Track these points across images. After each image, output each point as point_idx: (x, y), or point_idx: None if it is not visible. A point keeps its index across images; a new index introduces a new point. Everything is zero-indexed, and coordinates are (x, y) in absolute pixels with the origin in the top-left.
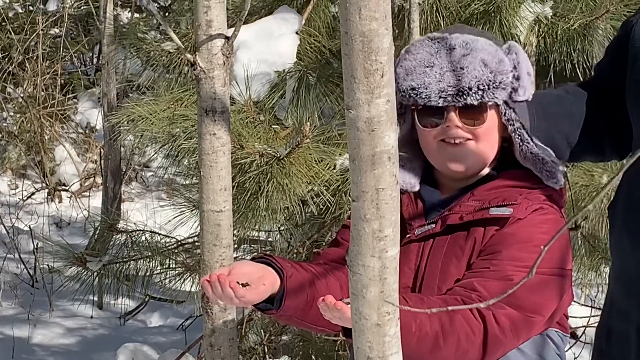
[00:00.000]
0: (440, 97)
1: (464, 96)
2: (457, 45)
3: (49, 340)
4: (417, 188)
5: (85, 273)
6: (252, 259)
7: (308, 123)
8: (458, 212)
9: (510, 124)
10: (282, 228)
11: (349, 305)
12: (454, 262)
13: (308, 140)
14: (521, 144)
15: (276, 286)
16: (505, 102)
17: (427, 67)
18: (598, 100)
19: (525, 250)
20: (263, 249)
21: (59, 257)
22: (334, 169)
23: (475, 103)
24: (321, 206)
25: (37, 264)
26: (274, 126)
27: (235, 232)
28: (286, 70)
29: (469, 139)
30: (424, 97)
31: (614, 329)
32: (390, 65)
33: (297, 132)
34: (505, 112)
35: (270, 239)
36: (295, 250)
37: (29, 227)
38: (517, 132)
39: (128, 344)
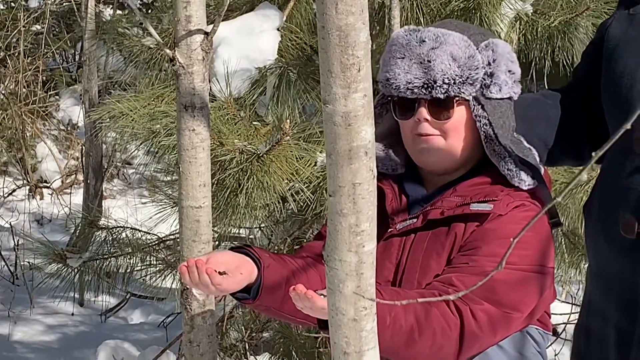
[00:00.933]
0: (408, 88)
1: (430, 89)
2: (427, 38)
3: (30, 338)
4: (399, 171)
5: (65, 270)
6: (231, 249)
7: (288, 120)
8: (439, 207)
9: (478, 120)
10: (262, 225)
11: (322, 296)
12: (435, 257)
13: (288, 137)
14: (485, 141)
15: (253, 276)
16: (476, 98)
17: (399, 58)
18: (576, 103)
19: (505, 247)
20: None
21: (40, 254)
22: (315, 166)
23: (442, 97)
24: (302, 203)
25: (17, 261)
26: (254, 123)
27: (215, 229)
28: (267, 67)
29: (438, 135)
30: (394, 87)
31: (592, 329)
32: (367, 59)
33: (278, 130)
34: (473, 108)
35: (251, 236)
36: (276, 248)
37: (10, 224)
38: (482, 129)
39: (109, 341)
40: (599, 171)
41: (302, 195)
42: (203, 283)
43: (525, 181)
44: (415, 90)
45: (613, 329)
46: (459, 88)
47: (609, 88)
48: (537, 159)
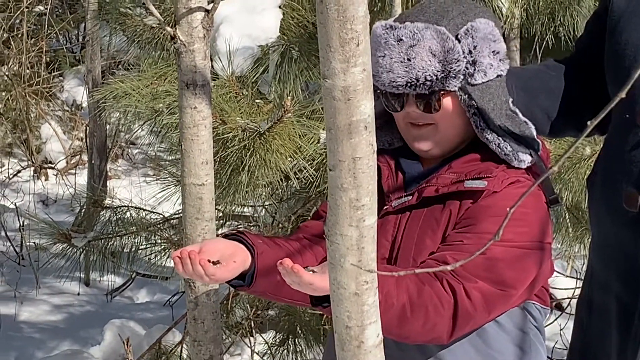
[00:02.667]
0: (392, 86)
1: (414, 87)
2: (404, 36)
3: (36, 318)
4: (396, 145)
5: (70, 250)
6: (224, 236)
7: (289, 97)
8: (434, 184)
9: (467, 110)
10: (266, 203)
11: (311, 272)
12: (430, 234)
13: (290, 114)
14: (476, 129)
15: (247, 263)
16: (462, 88)
17: (380, 56)
18: (578, 75)
19: (499, 224)
20: (248, 224)
21: (45, 234)
22: (318, 143)
23: (426, 92)
24: (305, 181)
25: (23, 241)
26: (256, 101)
27: (219, 207)
28: (269, 45)
29: (430, 124)
30: (380, 84)
31: (595, 300)
32: (366, 34)
33: (280, 107)
34: (460, 99)
35: (255, 215)
36: (281, 225)
37: (15, 205)
38: (472, 119)
39: (115, 320)
40: (602, 145)
41: (305, 173)
42: (197, 274)
43: (525, 160)
44: (400, 88)
45: (615, 300)
46: (442, 83)
47: (612, 59)
48: (534, 133)
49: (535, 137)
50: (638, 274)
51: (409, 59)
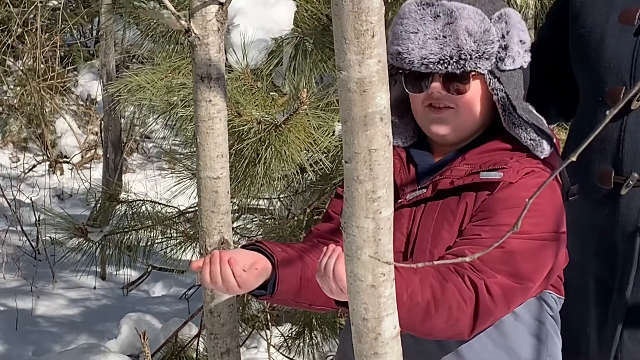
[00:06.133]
0: (422, 63)
1: (445, 65)
2: (441, 12)
3: (52, 312)
4: (407, 144)
5: (86, 244)
6: (242, 247)
7: (305, 90)
8: (449, 176)
9: (495, 94)
10: (282, 196)
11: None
12: (446, 226)
13: (305, 106)
14: (503, 114)
15: (269, 271)
16: (491, 72)
17: (412, 32)
18: (541, 64)
19: (517, 216)
20: (264, 217)
21: (61, 228)
22: (333, 135)
23: (458, 72)
24: (320, 173)
25: (39, 236)
26: (271, 93)
27: (235, 200)
28: (283, 37)
29: (451, 107)
30: (407, 62)
31: (571, 282)
32: (381, 25)
33: (295, 99)
34: (489, 82)
35: (270, 207)
36: (296, 218)
37: (31, 199)
38: (500, 102)
39: (131, 314)
40: (569, 130)
41: (320, 165)
42: (225, 277)
43: (546, 149)
44: (431, 65)
45: (592, 280)
46: (475, 63)
47: (578, 44)
48: (547, 127)
49: (548, 129)
50: (614, 251)
51: (444, 36)
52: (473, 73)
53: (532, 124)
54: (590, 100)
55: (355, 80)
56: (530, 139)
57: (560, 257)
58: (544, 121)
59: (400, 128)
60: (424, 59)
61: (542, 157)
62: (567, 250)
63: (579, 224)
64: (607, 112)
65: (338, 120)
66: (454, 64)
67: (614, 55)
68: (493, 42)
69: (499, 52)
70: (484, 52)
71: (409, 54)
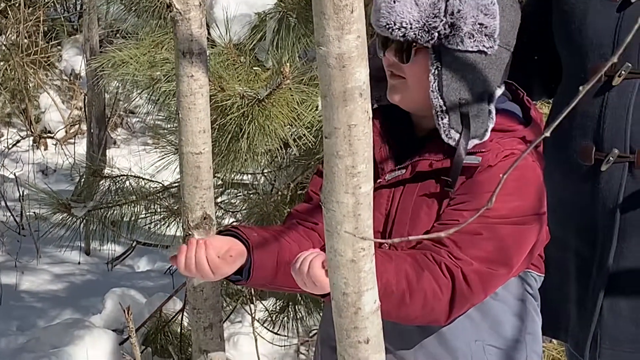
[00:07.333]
0: (376, 25)
1: (390, 31)
2: None
3: (37, 287)
4: (383, 102)
5: (70, 219)
6: (218, 232)
7: (288, 64)
8: (428, 158)
9: (431, 71)
10: (266, 171)
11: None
12: (425, 209)
13: (288, 81)
14: (430, 91)
15: (244, 257)
16: (436, 48)
17: None
18: (526, 40)
19: (496, 200)
20: (248, 192)
21: (45, 204)
22: (316, 110)
23: (400, 39)
24: (304, 148)
25: (23, 211)
26: (254, 68)
27: (219, 175)
28: (266, 12)
29: (401, 77)
30: (371, 24)
31: (552, 258)
32: (360, 0)
33: (278, 74)
34: (430, 58)
35: (254, 182)
36: (280, 193)
37: (15, 175)
38: (431, 77)
39: (116, 289)
40: (551, 107)
41: (304, 140)
42: (198, 262)
43: (453, 138)
44: (380, 28)
45: (573, 256)
46: (414, 34)
47: (562, 21)
48: (488, 128)
49: (488, 131)
50: (595, 227)
51: (394, 2)
52: (415, 44)
53: (463, 112)
54: (573, 77)
55: (334, 56)
56: (438, 123)
57: (541, 236)
58: (489, 125)
59: (375, 90)
60: (377, 21)
61: (449, 144)
62: (548, 227)
63: (560, 200)
64: (580, 88)
65: None
66: (396, 30)
67: (596, 32)
68: (436, 17)
69: (444, 28)
70: (424, 24)
71: (372, 17)
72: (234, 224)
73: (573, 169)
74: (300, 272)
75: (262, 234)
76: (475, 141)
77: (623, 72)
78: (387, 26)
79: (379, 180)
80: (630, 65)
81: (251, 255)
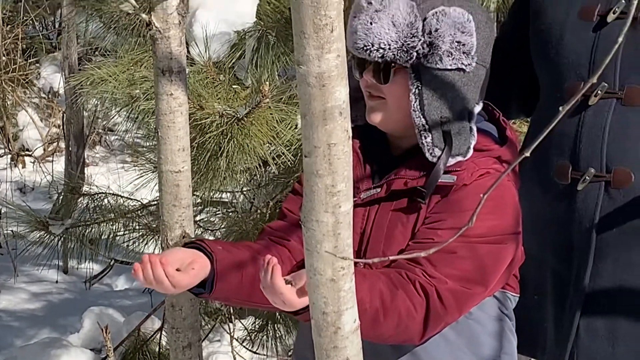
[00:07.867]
0: (354, 48)
1: (369, 52)
2: (374, 0)
3: (14, 306)
4: (359, 122)
5: (48, 237)
6: (183, 245)
7: (267, 83)
8: (403, 176)
9: (411, 90)
10: (245, 189)
11: (289, 286)
12: (400, 227)
13: (268, 100)
14: (412, 110)
15: (207, 270)
16: (414, 67)
17: (353, 17)
18: (504, 59)
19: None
20: (227, 210)
21: (22, 222)
22: (295, 128)
23: (379, 61)
24: (283, 166)
25: (0, 229)
26: (234, 86)
27: (198, 193)
28: (246, 30)
29: (380, 97)
30: (346, 46)
31: (529, 278)
32: (340, 19)
33: (257, 92)
34: (410, 77)
35: (233, 201)
36: (259, 211)
37: None
38: (412, 97)
39: (94, 307)
40: (529, 125)
41: (283, 158)
42: (158, 279)
43: (436, 156)
44: (358, 50)
45: (550, 275)
46: (393, 54)
47: (539, 40)
48: (471, 144)
49: (471, 147)
50: (571, 246)
51: (371, 23)
52: (394, 65)
53: (445, 130)
54: (550, 96)
55: (314, 75)
56: (422, 143)
57: (516, 256)
58: (472, 143)
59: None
60: (355, 43)
61: (433, 162)
62: (524, 246)
63: (538, 218)
64: (560, 109)
65: None
66: (375, 52)
67: (573, 52)
68: (414, 37)
69: (422, 48)
70: (403, 44)
71: (346, 39)
72: (200, 237)
73: (550, 188)
74: (264, 280)
75: (228, 247)
76: (459, 158)
77: (599, 91)
78: (365, 48)
79: (354, 199)
80: (606, 85)
81: (214, 268)
